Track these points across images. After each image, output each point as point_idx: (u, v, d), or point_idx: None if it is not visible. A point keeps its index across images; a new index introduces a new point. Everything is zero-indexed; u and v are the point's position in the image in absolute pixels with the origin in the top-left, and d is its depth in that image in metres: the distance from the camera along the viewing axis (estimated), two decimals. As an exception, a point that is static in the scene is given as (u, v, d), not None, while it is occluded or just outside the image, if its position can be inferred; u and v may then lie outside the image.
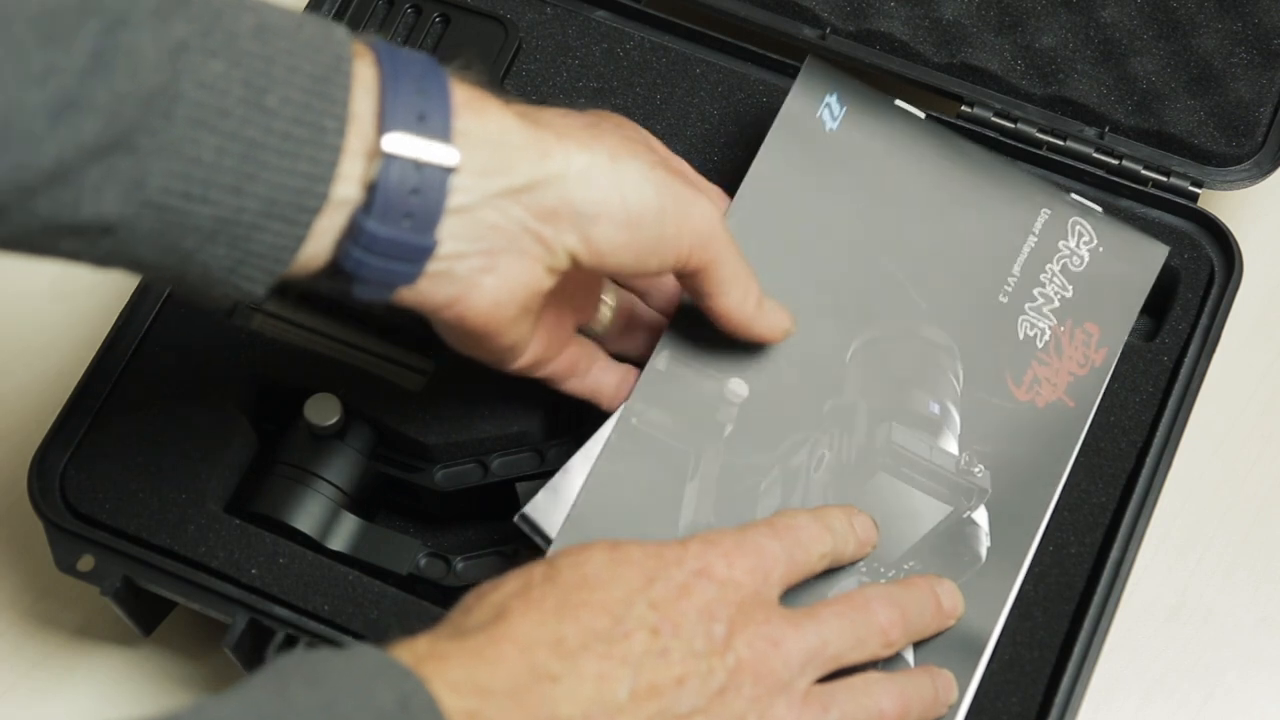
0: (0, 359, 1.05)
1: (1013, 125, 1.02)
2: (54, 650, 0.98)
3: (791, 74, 1.02)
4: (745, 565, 0.81)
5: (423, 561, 0.92)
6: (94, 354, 0.95)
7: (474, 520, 0.97)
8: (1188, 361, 0.95)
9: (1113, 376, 0.95)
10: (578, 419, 0.98)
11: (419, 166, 0.74)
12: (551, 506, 0.88)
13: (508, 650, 0.75)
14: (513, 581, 0.79)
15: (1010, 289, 0.93)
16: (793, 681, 0.80)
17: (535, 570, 0.79)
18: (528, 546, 0.92)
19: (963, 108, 1.03)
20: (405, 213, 0.74)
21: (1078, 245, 0.94)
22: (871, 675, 0.83)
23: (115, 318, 0.96)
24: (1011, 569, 0.89)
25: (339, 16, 1.02)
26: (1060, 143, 1.02)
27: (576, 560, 0.80)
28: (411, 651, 0.74)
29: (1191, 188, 1.01)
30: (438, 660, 0.74)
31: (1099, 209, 0.96)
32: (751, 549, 0.82)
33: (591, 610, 0.78)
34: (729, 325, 0.87)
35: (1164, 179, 1.01)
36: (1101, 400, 0.95)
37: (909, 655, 0.86)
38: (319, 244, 0.74)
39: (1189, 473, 0.99)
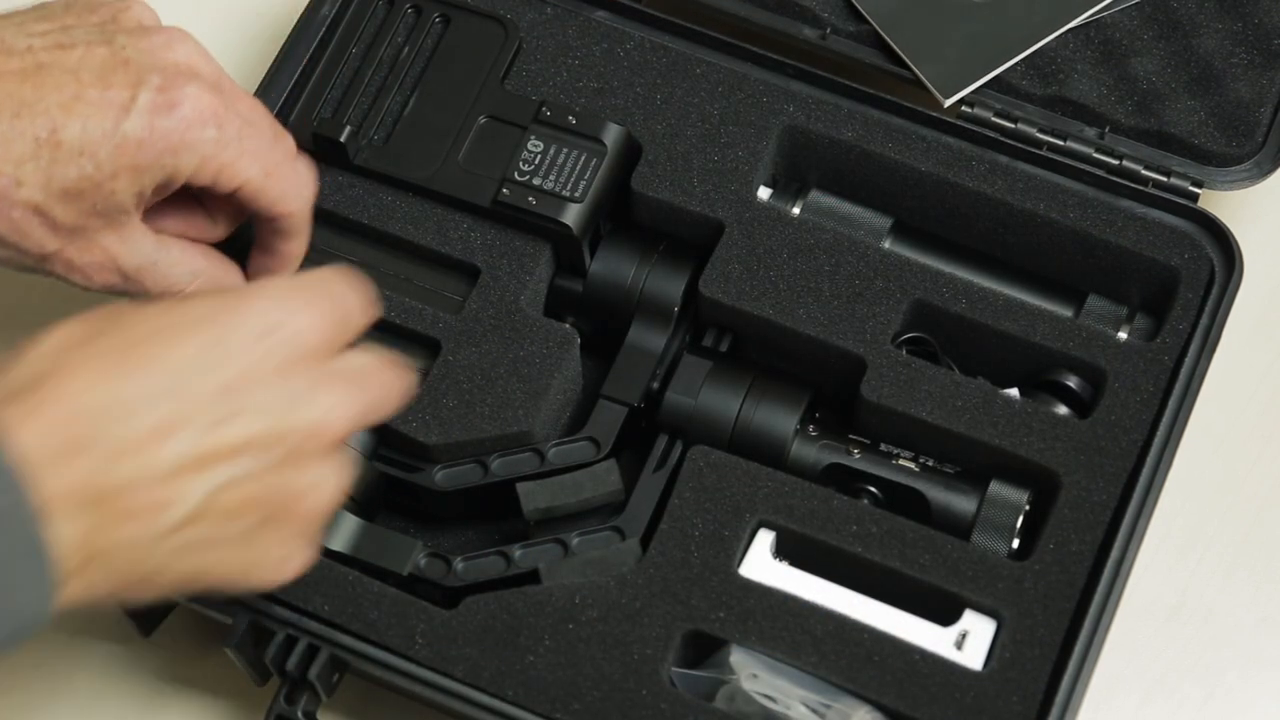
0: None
1: (1013, 125, 1.02)
2: (54, 650, 0.98)
3: (792, 74, 1.02)
4: (316, 325, 0.79)
5: (423, 562, 0.92)
6: (94, 354, 0.95)
7: (474, 520, 0.97)
8: (1188, 361, 0.95)
9: (1114, 376, 0.95)
10: (581, 420, 0.98)
11: None
12: None
13: (50, 418, 0.72)
14: (64, 331, 0.75)
15: None
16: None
17: (90, 321, 0.76)
18: (528, 546, 0.92)
19: (963, 108, 1.03)
20: None
21: None
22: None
23: (115, 318, 0.96)
24: None
25: (339, 17, 1.02)
26: (1060, 143, 1.02)
27: (134, 318, 0.77)
28: None
29: (1192, 188, 1.01)
30: None
31: None
32: (324, 311, 0.80)
33: (145, 373, 0.75)
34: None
35: (1164, 179, 1.01)
36: (1103, 400, 0.95)
37: None
38: None
39: (1189, 473, 0.99)
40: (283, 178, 0.91)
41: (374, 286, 0.96)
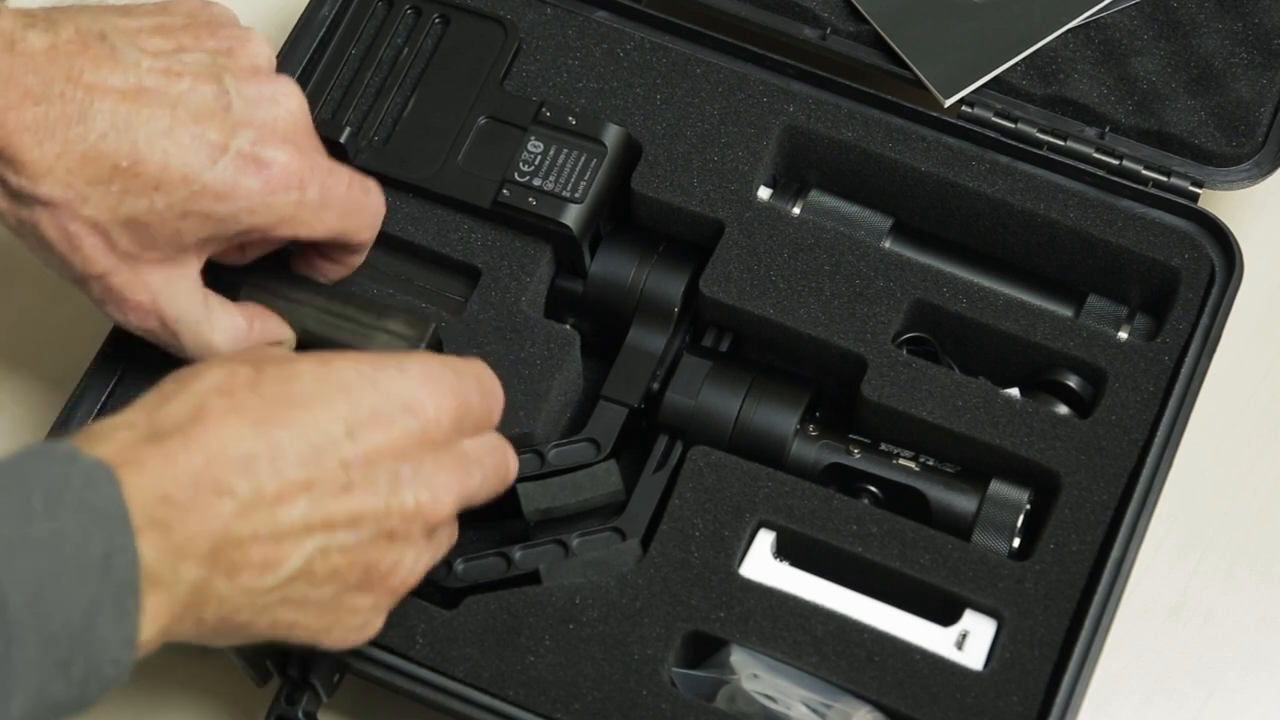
0: (0, 360, 1.05)
1: (1013, 125, 1.02)
2: (54, 651, 0.98)
3: (792, 74, 1.02)
4: (451, 410, 0.82)
5: (423, 563, 0.92)
6: (94, 354, 0.95)
7: (474, 521, 0.97)
8: (1188, 361, 0.95)
9: (1114, 376, 0.95)
10: (581, 421, 0.98)
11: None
12: None
13: (197, 460, 0.75)
14: (216, 374, 0.78)
15: None
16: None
17: (240, 370, 0.78)
18: (527, 548, 0.92)
19: (963, 108, 1.03)
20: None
21: None
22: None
23: (115, 318, 0.96)
24: None
25: (339, 17, 1.02)
26: (1060, 143, 1.02)
27: (284, 372, 0.79)
28: (107, 452, 0.74)
29: (1192, 188, 1.01)
30: (133, 466, 0.73)
31: None
32: (460, 398, 0.82)
33: (290, 431, 0.77)
34: None
35: (1164, 179, 1.01)
36: (1103, 400, 0.95)
37: None
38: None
39: (1189, 473, 0.99)
40: (358, 217, 0.91)
41: (374, 286, 0.97)
